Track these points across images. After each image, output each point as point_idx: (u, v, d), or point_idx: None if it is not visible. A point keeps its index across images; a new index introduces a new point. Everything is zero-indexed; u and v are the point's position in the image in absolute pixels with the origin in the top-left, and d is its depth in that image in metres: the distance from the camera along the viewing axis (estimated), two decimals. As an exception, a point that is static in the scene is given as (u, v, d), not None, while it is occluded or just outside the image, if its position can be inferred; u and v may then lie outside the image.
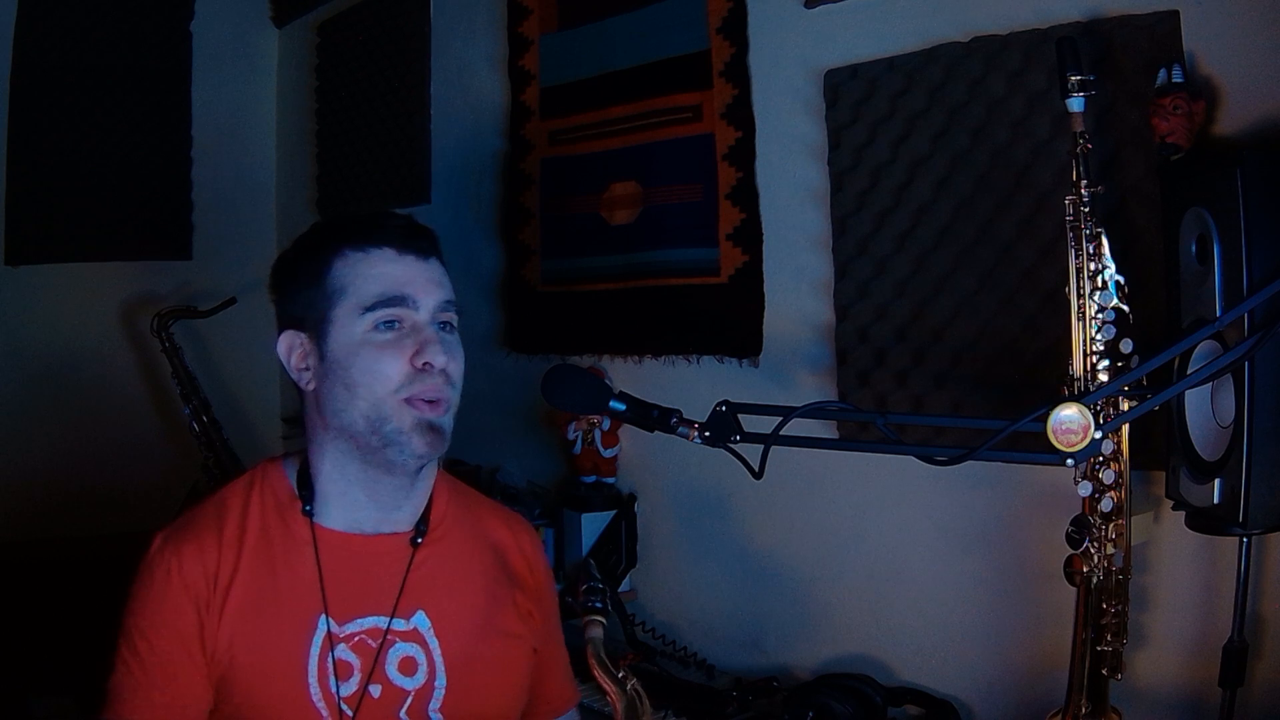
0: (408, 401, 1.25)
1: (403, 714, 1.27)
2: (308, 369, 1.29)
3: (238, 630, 1.23)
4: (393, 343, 1.25)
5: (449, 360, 1.27)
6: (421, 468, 1.31)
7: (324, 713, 1.23)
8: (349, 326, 1.26)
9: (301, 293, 1.29)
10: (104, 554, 2.70)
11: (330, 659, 1.24)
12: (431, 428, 1.26)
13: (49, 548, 2.85)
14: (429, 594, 1.32)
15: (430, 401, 1.26)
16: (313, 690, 1.23)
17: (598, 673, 1.31)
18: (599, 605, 1.37)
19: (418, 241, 1.30)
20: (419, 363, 1.25)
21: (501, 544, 1.43)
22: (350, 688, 1.24)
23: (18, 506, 2.91)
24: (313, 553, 1.27)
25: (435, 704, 1.29)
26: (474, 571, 1.38)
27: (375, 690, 1.25)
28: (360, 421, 1.25)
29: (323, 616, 1.25)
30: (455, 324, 1.32)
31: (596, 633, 1.35)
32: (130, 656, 1.23)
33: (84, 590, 2.62)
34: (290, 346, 1.30)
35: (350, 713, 1.23)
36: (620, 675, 1.30)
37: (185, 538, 1.26)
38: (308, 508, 1.29)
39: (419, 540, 1.33)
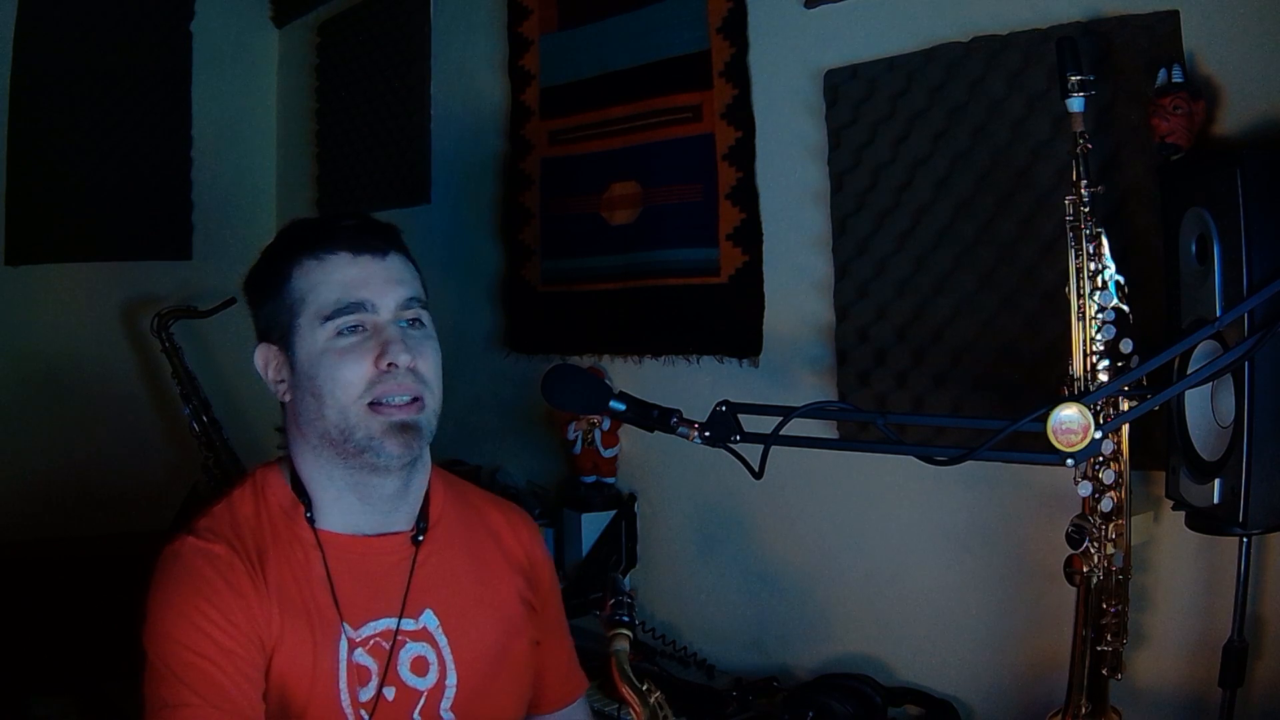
0: (374, 407, 1.23)
1: (416, 714, 1.27)
2: (283, 381, 1.29)
3: (275, 630, 1.21)
4: (354, 347, 1.24)
5: (414, 358, 1.25)
6: (406, 465, 1.28)
7: (350, 718, 1.22)
8: (311, 336, 1.25)
9: (268, 305, 1.29)
10: (104, 554, 2.71)
11: (352, 664, 1.24)
12: (404, 428, 1.24)
13: (49, 548, 2.85)
14: (435, 592, 1.31)
15: (401, 404, 1.24)
16: (343, 697, 1.22)
17: (621, 684, 1.32)
18: (626, 619, 1.38)
19: (372, 240, 1.28)
20: (383, 364, 1.23)
21: (501, 535, 1.43)
22: (368, 692, 1.24)
23: (18, 506, 2.91)
24: (320, 558, 1.26)
25: (447, 702, 1.29)
26: (477, 565, 1.38)
27: (390, 693, 1.25)
28: (333, 430, 1.24)
29: (340, 622, 1.24)
30: (424, 319, 1.30)
31: (622, 645, 1.35)
32: (192, 658, 1.16)
33: (84, 590, 2.63)
34: (265, 360, 1.30)
35: (368, 717, 1.23)
36: (644, 687, 1.31)
37: (218, 537, 1.24)
38: (309, 514, 1.28)
39: (420, 538, 1.32)
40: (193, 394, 2.89)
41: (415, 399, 1.25)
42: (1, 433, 2.96)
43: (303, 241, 1.28)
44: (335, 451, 1.26)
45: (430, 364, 1.27)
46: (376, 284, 1.26)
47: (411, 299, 1.28)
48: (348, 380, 1.23)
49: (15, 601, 2.60)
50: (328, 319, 1.24)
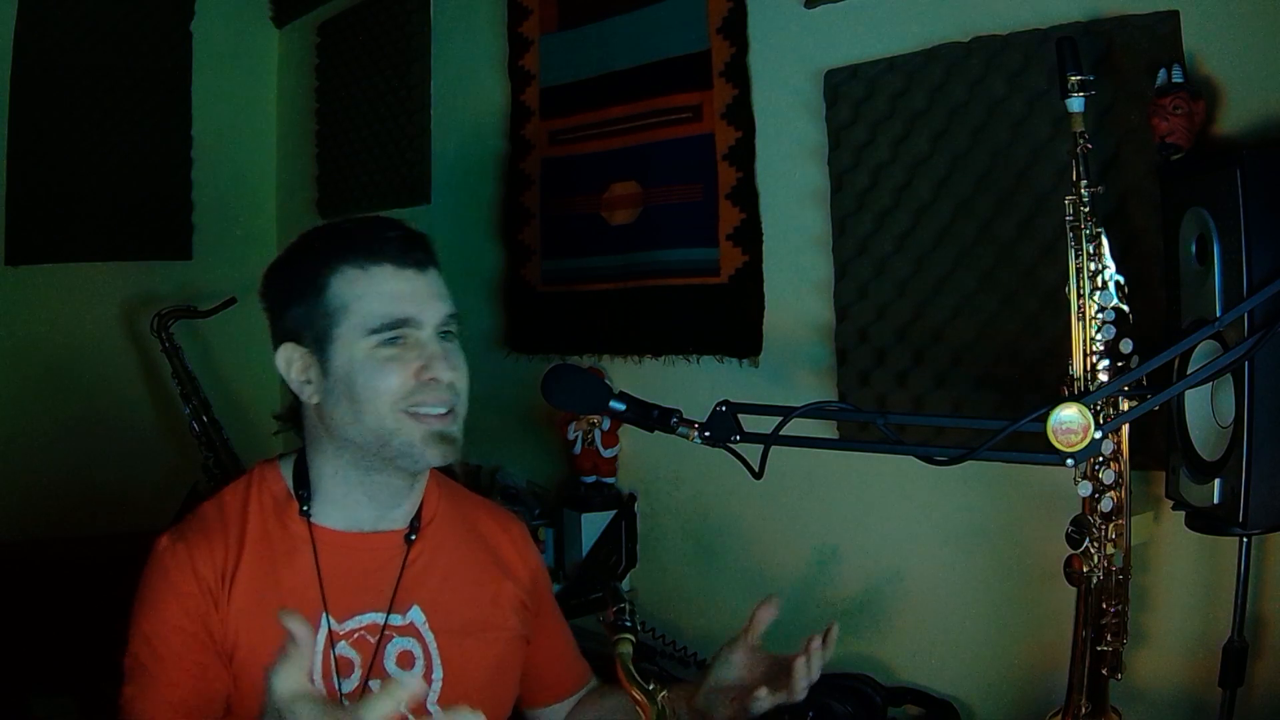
0: (412, 414, 1.25)
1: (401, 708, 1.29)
2: (309, 382, 1.30)
3: (241, 627, 1.25)
4: (396, 358, 1.26)
5: (454, 374, 1.28)
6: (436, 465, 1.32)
7: None
8: (352, 345, 1.26)
9: (298, 307, 1.29)
10: (104, 554, 2.70)
11: (332, 656, 1.26)
12: (444, 438, 1.27)
13: (49, 548, 2.85)
14: (424, 589, 1.34)
15: (439, 414, 1.27)
16: (317, 687, 1.24)
17: (628, 685, 1.33)
18: (628, 624, 1.39)
19: (415, 253, 1.30)
20: (424, 376, 1.26)
21: (492, 538, 1.46)
22: (351, 684, 1.26)
23: (18, 506, 2.91)
24: (311, 551, 1.29)
25: (433, 697, 1.31)
26: (467, 565, 1.40)
27: (375, 685, 1.27)
28: (368, 436, 1.26)
29: (323, 614, 1.27)
30: (456, 331, 1.33)
31: (626, 649, 1.36)
32: (146, 658, 1.23)
33: (84, 590, 2.63)
34: (289, 360, 1.30)
35: None
36: (650, 687, 1.32)
37: (191, 536, 1.28)
38: (305, 508, 1.30)
39: (413, 537, 1.35)
40: (193, 394, 2.89)
41: (449, 410, 1.28)
42: (2, 432, 2.96)
43: (343, 248, 1.29)
44: (361, 455, 1.28)
45: (464, 377, 1.31)
46: (421, 299, 1.28)
47: (451, 315, 1.31)
48: (389, 389, 1.25)
49: (15, 601, 2.60)
50: (373, 332, 1.25)
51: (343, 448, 1.29)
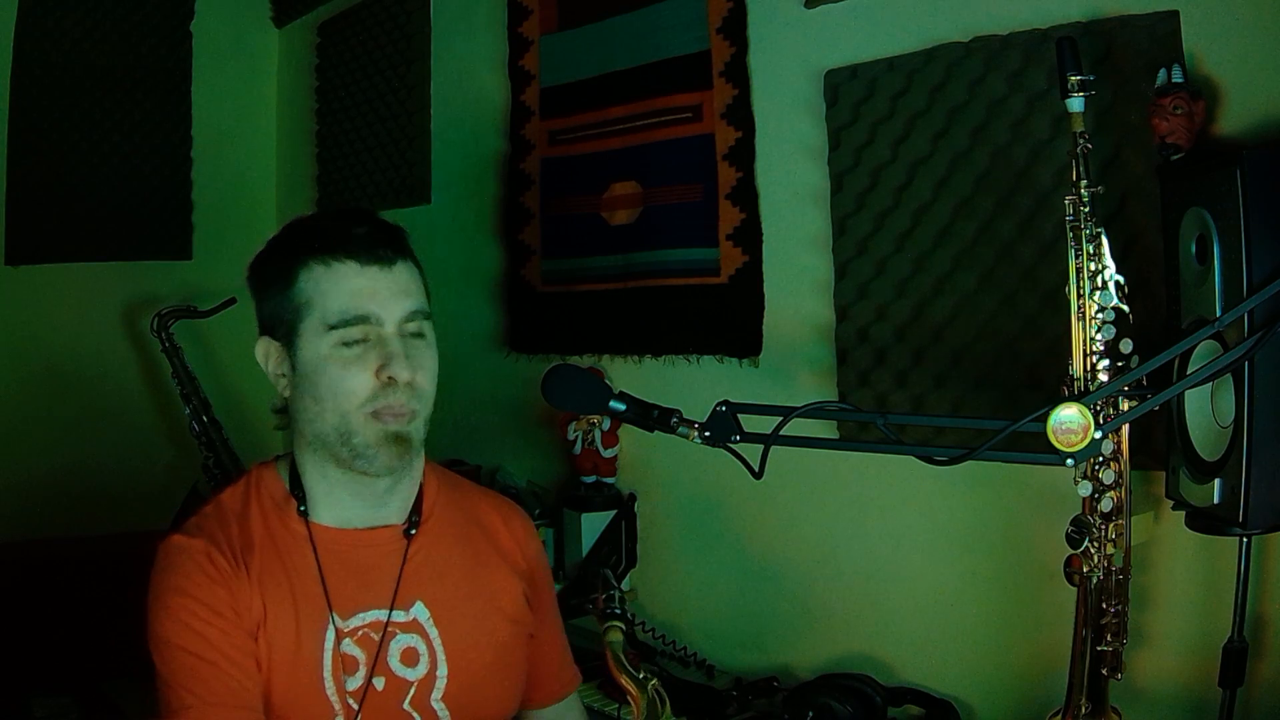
0: (375, 415, 1.26)
1: (406, 704, 1.29)
2: (283, 375, 1.31)
3: (263, 601, 1.25)
4: (358, 357, 1.25)
5: (414, 373, 1.27)
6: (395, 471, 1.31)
7: (336, 706, 1.25)
8: (314, 341, 1.26)
9: (272, 300, 1.31)
10: (104, 554, 2.71)
11: (339, 654, 1.26)
12: (398, 439, 1.27)
13: (49, 548, 2.85)
14: (426, 584, 1.34)
15: (398, 415, 1.26)
16: (327, 685, 1.25)
17: (617, 673, 1.33)
18: (618, 612, 1.39)
19: (382, 249, 1.28)
20: (383, 376, 1.25)
21: (494, 530, 1.45)
22: (356, 681, 1.26)
23: (18, 506, 2.91)
24: (311, 550, 1.29)
25: (438, 693, 1.31)
26: (469, 559, 1.39)
27: (379, 683, 1.27)
28: (330, 433, 1.27)
29: (329, 612, 1.27)
30: (426, 330, 1.31)
31: (616, 637, 1.36)
32: (184, 658, 1.20)
33: (84, 590, 2.63)
34: (266, 353, 1.32)
35: (356, 706, 1.25)
36: (641, 676, 1.31)
37: (196, 530, 1.28)
38: (302, 508, 1.31)
39: (412, 531, 1.35)
40: (193, 394, 2.89)
41: (407, 413, 1.27)
42: (2, 433, 2.96)
43: (311, 244, 1.29)
44: (330, 452, 1.28)
45: (428, 375, 1.30)
46: (383, 296, 1.27)
47: (415, 311, 1.29)
48: (350, 390, 1.25)
49: (15, 601, 2.60)
50: (333, 328, 1.25)
51: (314, 444, 1.29)
